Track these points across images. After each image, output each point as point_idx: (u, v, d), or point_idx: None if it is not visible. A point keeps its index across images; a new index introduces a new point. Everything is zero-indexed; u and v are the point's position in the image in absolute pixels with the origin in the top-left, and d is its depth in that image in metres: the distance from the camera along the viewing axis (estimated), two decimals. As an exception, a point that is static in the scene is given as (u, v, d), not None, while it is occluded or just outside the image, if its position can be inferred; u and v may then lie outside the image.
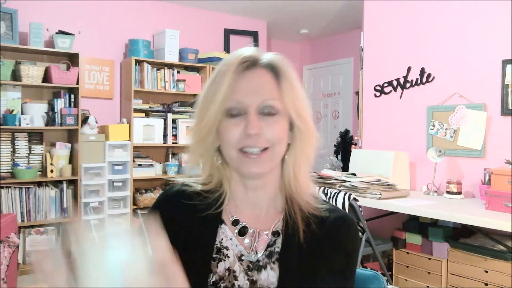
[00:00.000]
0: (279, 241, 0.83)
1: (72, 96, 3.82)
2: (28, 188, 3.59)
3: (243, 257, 0.83)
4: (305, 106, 0.84)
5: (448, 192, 2.93)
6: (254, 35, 5.16)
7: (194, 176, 0.90)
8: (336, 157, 4.73)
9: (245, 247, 0.83)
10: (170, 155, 4.45)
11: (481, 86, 2.99)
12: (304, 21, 5.24)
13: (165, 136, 4.28)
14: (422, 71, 3.35)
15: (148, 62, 4.18)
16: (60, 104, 3.75)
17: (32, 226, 3.57)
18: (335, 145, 5.16)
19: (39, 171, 3.72)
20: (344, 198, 2.47)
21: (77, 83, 3.76)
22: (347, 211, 2.44)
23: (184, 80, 4.35)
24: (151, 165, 4.25)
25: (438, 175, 3.11)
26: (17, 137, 3.67)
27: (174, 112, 4.33)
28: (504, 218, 2.24)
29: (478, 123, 2.97)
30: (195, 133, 0.84)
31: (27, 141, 3.72)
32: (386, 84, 3.60)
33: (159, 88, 4.25)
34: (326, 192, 2.57)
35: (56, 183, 3.76)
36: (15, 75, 3.60)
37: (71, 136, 3.91)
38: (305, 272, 0.80)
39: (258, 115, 0.79)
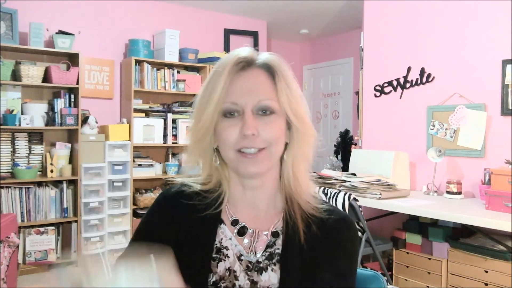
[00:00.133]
0: (278, 242, 0.83)
1: (72, 96, 3.81)
2: (28, 188, 3.59)
3: (242, 257, 0.83)
4: (302, 105, 0.83)
5: (448, 192, 2.92)
6: (254, 35, 5.16)
7: (194, 176, 0.90)
8: (336, 157, 4.73)
9: (244, 247, 0.83)
10: (170, 155, 4.45)
11: (481, 86, 2.99)
12: (304, 21, 5.24)
13: (165, 136, 4.28)
14: (422, 71, 3.35)
15: (148, 62, 4.18)
16: (60, 104, 3.75)
17: (32, 226, 3.56)
18: (335, 145, 5.16)
19: (39, 171, 3.72)
20: (344, 198, 2.46)
21: (77, 83, 3.76)
22: (347, 211, 2.44)
23: (184, 80, 4.35)
24: (151, 165, 4.25)
25: (438, 175, 3.11)
26: (17, 137, 3.67)
27: (174, 112, 4.33)
28: (504, 218, 2.23)
29: (478, 123, 2.97)
30: (193, 134, 0.84)
31: (27, 141, 3.72)
32: (386, 84, 3.60)
33: (159, 88, 4.25)
34: (326, 192, 2.57)
35: (56, 183, 3.76)
36: (15, 75, 3.60)
37: (71, 136, 3.91)
38: (307, 273, 0.80)
39: (254, 115, 0.79)
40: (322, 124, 5.99)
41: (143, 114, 4.19)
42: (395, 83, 3.54)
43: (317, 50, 6.16)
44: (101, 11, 4.21)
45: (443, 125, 3.18)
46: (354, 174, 3.00)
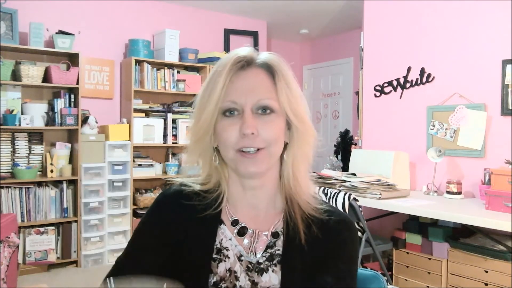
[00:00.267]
0: (278, 243, 0.83)
1: (72, 96, 3.81)
2: (28, 188, 3.59)
3: (242, 258, 0.82)
4: (302, 105, 0.83)
5: (448, 192, 2.92)
6: (254, 35, 5.16)
7: (193, 176, 0.90)
8: (336, 157, 4.73)
9: (244, 248, 0.83)
10: (170, 155, 4.45)
11: (481, 86, 2.99)
12: (304, 21, 5.24)
13: (165, 136, 4.28)
14: (422, 71, 3.35)
15: (148, 62, 4.18)
16: (60, 104, 3.75)
17: (32, 226, 3.56)
18: (335, 145, 5.16)
19: (39, 171, 3.72)
20: (344, 198, 2.46)
21: (77, 83, 3.76)
22: (347, 211, 2.44)
23: (184, 80, 4.35)
24: (151, 165, 4.25)
25: (438, 175, 3.11)
26: (17, 137, 3.67)
27: (174, 112, 4.33)
28: (504, 218, 2.23)
29: (478, 123, 2.97)
30: (193, 133, 0.84)
31: (27, 141, 3.72)
32: (386, 84, 3.60)
33: (159, 88, 4.25)
34: (326, 192, 2.57)
35: (56, 183, 3.76)
36: (15, 75, 3.60)
37: (71, 136, 3.91)
38: (308, 275, 0.80)
39: (253, 114, 0.79)
40: (322, 124, 5.99)
41: (143, 114, 4.19)
42: (395, 83, 3.54)
43: (317, 50, 6.16)
44: (101, 11, 4.21)
45: (443, 125, 3.18)
46: (354, 174, 3.00)
